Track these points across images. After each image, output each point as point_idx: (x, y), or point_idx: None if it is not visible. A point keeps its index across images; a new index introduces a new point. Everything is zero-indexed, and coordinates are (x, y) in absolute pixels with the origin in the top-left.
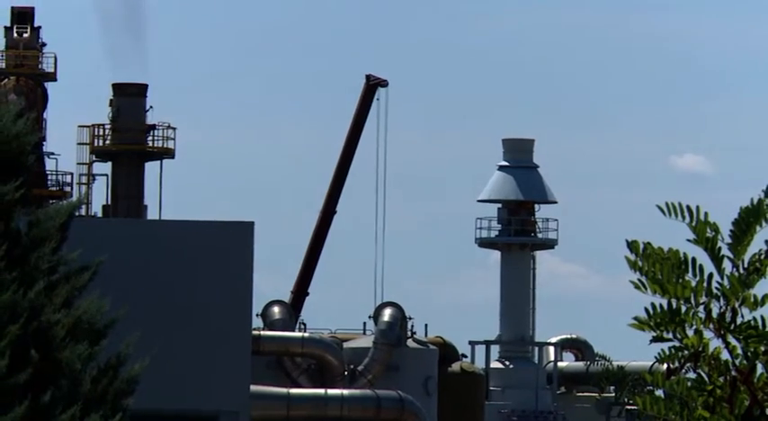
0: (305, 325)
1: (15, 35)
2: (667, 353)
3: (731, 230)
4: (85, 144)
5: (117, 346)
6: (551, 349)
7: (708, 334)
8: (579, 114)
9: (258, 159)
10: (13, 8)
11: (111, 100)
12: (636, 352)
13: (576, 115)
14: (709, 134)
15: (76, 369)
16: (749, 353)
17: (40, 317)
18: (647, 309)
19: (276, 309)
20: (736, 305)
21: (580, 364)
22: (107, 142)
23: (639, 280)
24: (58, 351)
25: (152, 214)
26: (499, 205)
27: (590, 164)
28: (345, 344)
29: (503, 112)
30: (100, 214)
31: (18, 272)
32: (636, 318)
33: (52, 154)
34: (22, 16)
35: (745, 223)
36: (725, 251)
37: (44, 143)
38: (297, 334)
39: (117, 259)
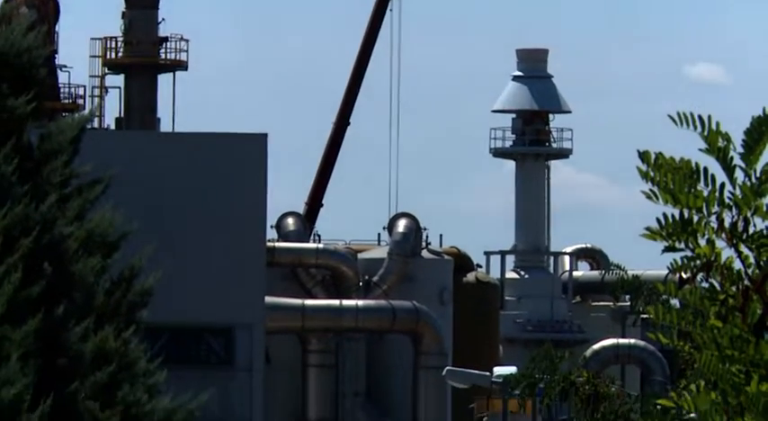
0: (319, 236)
1: None
2: (679, 263)
3: (743, 140)
4: (98, 57)
5: (130, 259)
6: (566, 259)
7: (720, 243)
8: (593, 24)
9: (271, 71)
10: None
11: (123, 12)
12: (650, 261)
13: (589, 25)
14: (722, 42)
15: (89, 282)
16: (762, 263)
17: (52, 231)
18: (658, 220)
19: (290, 221)
20: (749, 214)
21: (595, 274)
22: (119, 55)
23: (651, 190)
24: (70, 264)
25: (165, 127)
26: (513, 115)
27: (604, 73)
28: (360, 255)
29: (516, 23)
30: (113, 127)
31: (30, 185)
32: (648, 229)
33: (64, 67)
34: None
35: (758, 132)
36: (737, 161)
37: (56, 56)
38: (311, 245)
39: (130, 172)
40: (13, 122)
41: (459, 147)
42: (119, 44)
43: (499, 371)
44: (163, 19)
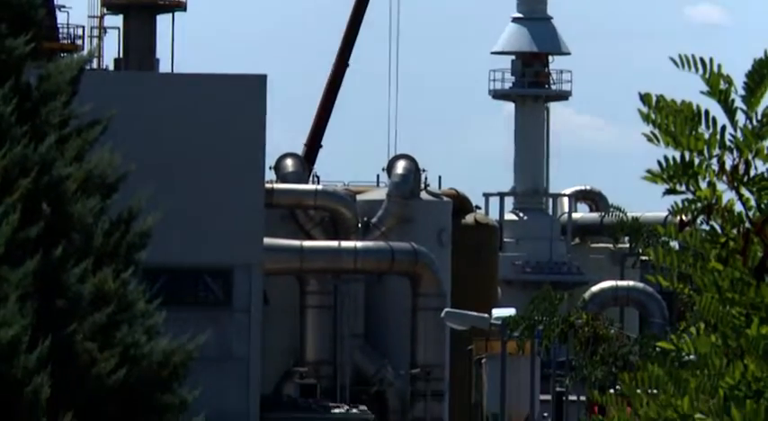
0: (318, 177)
1: None
2: (680, 205)
3: (745, 82)
4: None
5: (129, 200)
6: (565, 200)
7: (721, 186)
8: None
9: (270, 12)
10: None
11: None
12: (651, 203)
13: None
14: None
15: (88, 223)
16: (762, 205)
17: (51, 171)
18: (659, 162)
19: (289, 162)
20: (750, 157)
21: (594, 215)
22: None
23: (652, 132)
24: (69, 205)
25: (164, 68)
26: (513, 57)
27: (603, 15)
28: (359, 197)
29: None
30: (111, 68)
31: (29, 126)
32: (649, 171)
33: (63, 7)
34: None
35: (759, 75)
36: (738, 103)
37: None
38: (310, 186)
39: (129, 113)
40: (12, 63)
41: (458, 88)
42: None
43: (498, 312)
44: None
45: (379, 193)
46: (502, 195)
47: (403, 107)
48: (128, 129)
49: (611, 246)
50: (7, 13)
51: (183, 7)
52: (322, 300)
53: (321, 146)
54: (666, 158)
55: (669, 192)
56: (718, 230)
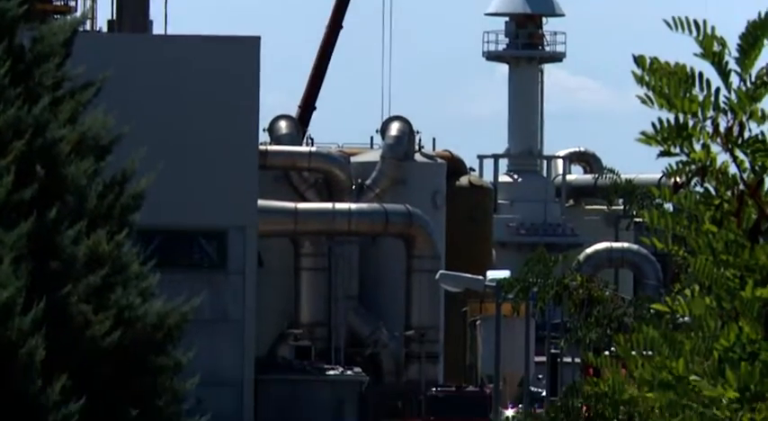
0: (312, 139)
1: None
2: (674, 167)
3: (738, 44)
4: None
5: (123, 162)
6: (560, 162)
7: (715, 148)
8: None
9: None
10: None
11: None
12: (645, 165)
13: None
14: None
15: (82, 185)
16: (757, 168)
17: (44, 134)
18: (653, 124)
19: (283, 124)
20: (744, 119)
21: (588, 177)
22: None
23: (646, 94)
24: (63, 167)
25: (157, 30)
26: (507, 19)
27: None
28: (353, 159)
29: None
30: (105, 30)
31: (22, 87)
32: (643, 133)
33: None
34: None
35: (753, 37)
36: (732, 65)
37: None
38: (304, 148)
39: (122, 75)
40: (5, 25)
41: (452, 50)
42: None
43: (492, 274)
44: None
45: (373, 155)
46: (496, 157)
47: (397, 69)
48: (121, 91)
49: (605, 207)
50: None
51: None
52: (316, 262)
53: (315, 108)
54: (660, 120)
55: (663, 154)
56: (713, 192)
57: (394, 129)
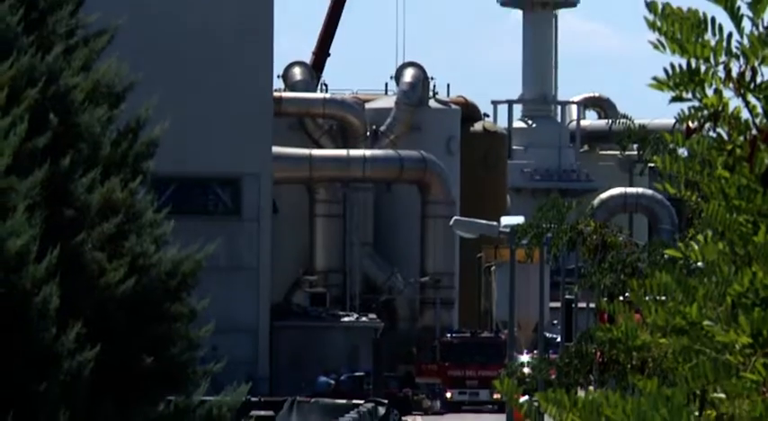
0: (326, 86)
1: None
2: (687, 113)
3: None
4: None
5: (137, 110)
6: (574, 108)
7: (727, 93)
8: None
9: None
10: None
11: None
12: (658, 110)
13: None
14: None
15: (96, 132)
16: None
17: (58, 82)
18: (665, 70)
19: (297, 70)
20: (756, 64)
21: (602, 123)
22: None
23: (658, 40)
24: (76, 115)
25: None
26: None
27: None
28: (367, 105)
29: None
30: None
31: (35, 36)
32: (655, 79)
33: None
34: None
35: None
36: (744, 10)
37: None
38: (318, 95)
39: (136, 22)
40: None
41: None
42: None
43: (507, 220)
44: None
45: (388, 102)
46: (510, 103)
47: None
48: (135, 38)
49: (619, 153)
50: None
51: None
52: (331, 208)
53: (329, 54)
54: (672, 66)
55: (675, 99)
56: (725, 138)
57: (408, 75)
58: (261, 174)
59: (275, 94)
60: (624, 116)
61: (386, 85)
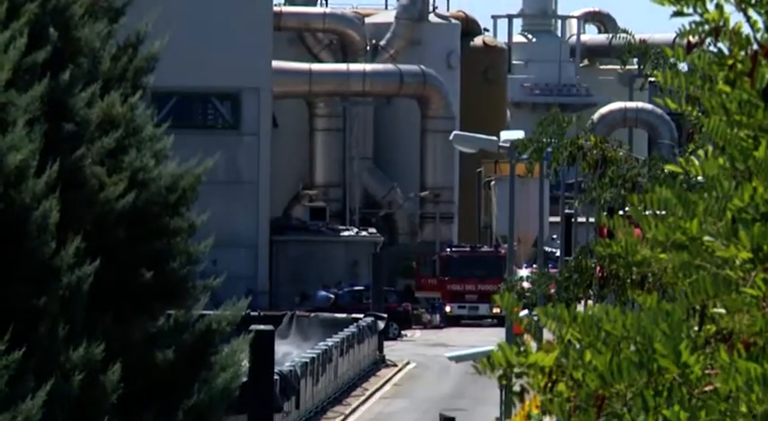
0: (326, 0)
1: None
2: (688, 27)
3: None
4: None
5: (137, 24)
6: (574, 22)
7: (729, 8)
8: None
9: None
10: None
11: None
12: (659, 25)
13: None
14: None
15: (95, 47)
16: None
17: None
18: None
19: None
20: None
21: (603, 37)
22: None
23: None
24: (76, 29)
25: None
26: None
27: None
28: (367, 20)
29: None
30: None
31: None
32: None
33: None
34: None
35: None
36: None
37: None
38: (318, 9)
39: None
40: None
41: None
42: None
43: (506, 135)
44: None
45: (388, 16)
46: (510, 17)
47: None
48: None
49: (619, 68)
50: None
51: None
52: (331, 122)
53: None
54: None
55: (676, 14)
56: (726, 53)
57: None
58: (260, 88)
59: (275, 8)
60: (624, 31)
61: None
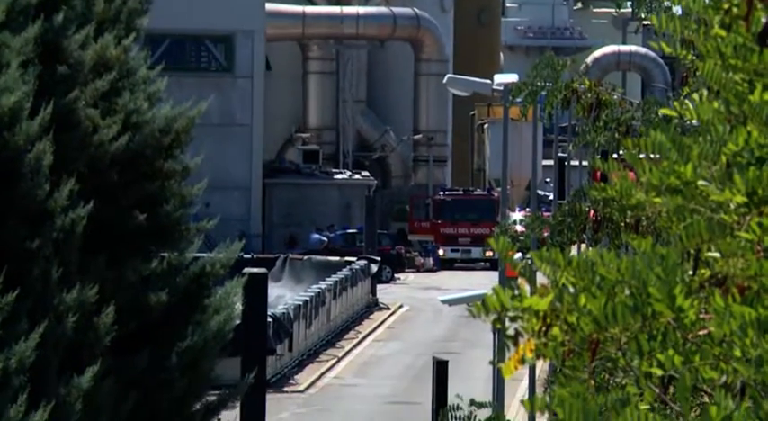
0: None
1: None
2: None
3: None
4: None
5: None
6: None
7: None
8: None
9: None
10: None
11: None
12: None
13: None
14: None
15: None
16: None
17: None
18: None
19: None
20: None
21: None
22: None
23: None
24: None
25: None
26: None
27: None
28: None
29: None
30: None
31: None
32: None
33: None
34: None
35: None
36: None
37: None
38: None
39: None
40: None
41: None
42: None
43: (500, 78)
44: None
45: None
46: None
47: None
48: None
49: (613, 10)
50: None
51: None
52: (324, 66)
53: None
54: None
55: None
56: None
57: None
58: (254, 31)
59: None
60: None
61: None
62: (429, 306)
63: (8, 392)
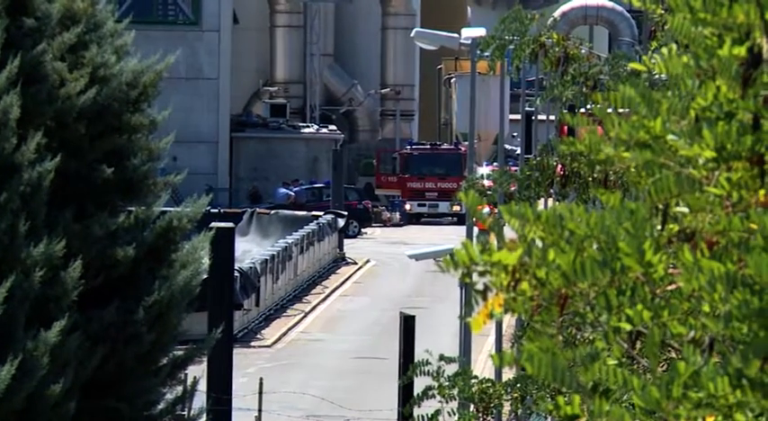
0: None
1: None
2: None
3: None
4: None
5: None
6: None
7: None
8: None
9: None
10: None
11: None
12: None
13: None
14: None
15: None
16: None
17: None
18: None
19: None
20: None
21: None
22: None
23: None
24: None
25: None
26: None
27: None
28: None
29: None
30: None
31: None
32: None
33: None
34: None
35: None
36: None
37: None
38: None
39: None
40: None
41: None
42: None
43: (467, 32)
44: None
45: None
46: None
47: None
48: None
49: None
50: None
51: None
52: (291, 19)
53: None
54: None
55: None
56: None
57: None
58: None
59: None
60: None
61: None
62: (396, 261)
63: None
